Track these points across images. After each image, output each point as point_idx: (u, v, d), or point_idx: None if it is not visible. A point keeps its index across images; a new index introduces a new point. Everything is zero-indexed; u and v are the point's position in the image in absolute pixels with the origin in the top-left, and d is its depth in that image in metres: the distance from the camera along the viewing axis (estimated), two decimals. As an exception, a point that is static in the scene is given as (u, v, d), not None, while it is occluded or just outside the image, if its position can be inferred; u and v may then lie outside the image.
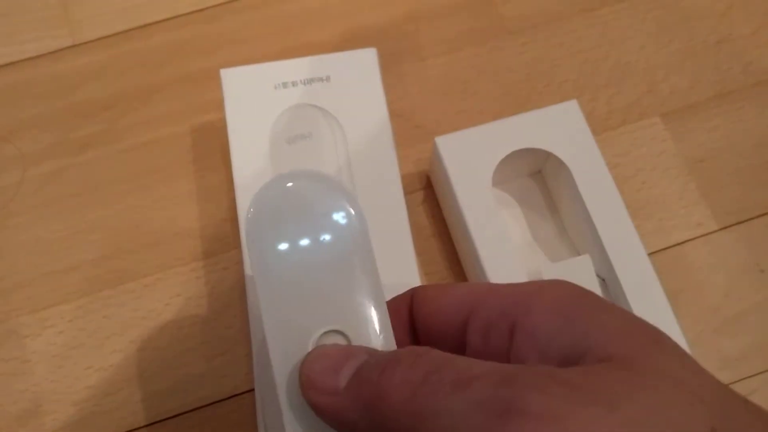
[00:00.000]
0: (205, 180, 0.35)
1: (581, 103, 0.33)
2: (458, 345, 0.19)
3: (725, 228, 0.35)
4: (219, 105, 0.32)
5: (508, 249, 0.30)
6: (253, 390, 0.31)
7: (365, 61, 0.32)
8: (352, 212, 0.20)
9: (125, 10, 0.39)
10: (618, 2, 0.40)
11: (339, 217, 0.20)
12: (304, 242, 0.19)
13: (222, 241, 0.34)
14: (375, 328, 0.19)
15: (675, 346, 0.16)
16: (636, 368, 0.14)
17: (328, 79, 0.32)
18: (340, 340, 0.19)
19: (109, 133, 0.36)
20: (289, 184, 0.20)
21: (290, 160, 0.30)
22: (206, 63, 0.38)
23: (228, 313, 0.33)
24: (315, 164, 0.30)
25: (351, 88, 0.32)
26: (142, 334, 0.32)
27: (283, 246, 0.19)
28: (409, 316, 0.20)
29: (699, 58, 0.39)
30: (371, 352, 0.18)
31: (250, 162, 0.30)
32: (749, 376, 0.32)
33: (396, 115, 0.37)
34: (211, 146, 0.36)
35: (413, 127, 0.37)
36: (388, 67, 0.38)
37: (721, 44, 0.39)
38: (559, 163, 0.31)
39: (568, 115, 0.32)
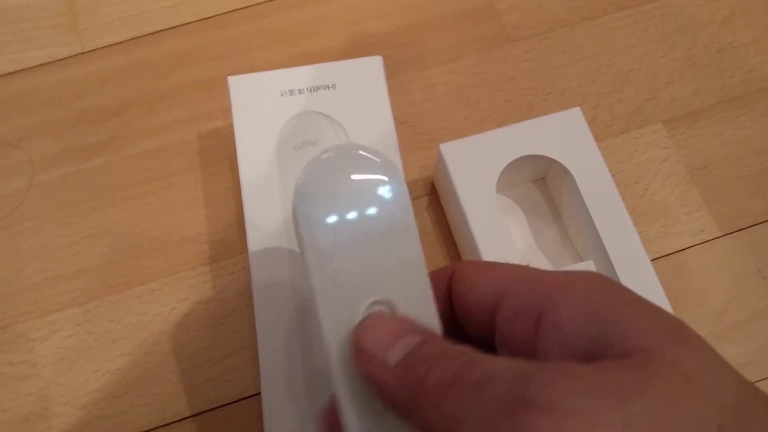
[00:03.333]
0: (212, 186, 0.36)
1: (584, 111, 0.33)
2: (489, 325, 0.19)
3: (727, 234, 0.35)
4: (226, 112, 0.32)
5: (511, 254, 0.30)
6: (259, 394, 0.31)
7: (371, 69, 0.33)
8: (398, 185, 0.20)
9: (133, 17, 0.39)
10: (620, 10, 0.40)
11: (386, 190, 0.20)
12: (353, 212, 0.20)
13: (229, 247, 0.34)
14: (420, 300, 0.19)
15: (700, 342, 0.16)
16: (653, 364, 0.15)
17: (334, 86, 0.32)
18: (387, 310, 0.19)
19: (117, 139, 0.37)
20: (339, 156, 0.21)
21: (297, 167, 0.30)
22: (213, 70, 0.38)
23: (234, 317, 0.33)
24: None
25: (357, 96, 0.32)
26: (149, 338, 0.33)
27: (334, 215, 0.20)
28: (448, 290, 0.21)
29: (700, 66, 0.39)
30: (421, 336, 0.18)
31: (257, 168, 0.31)
32: (753, 382, 0.32)
33: (401, 122, 0.37)
34: (218, 152, 0.36)
35: (418, 134, 0.37)
36: (394, 75, 0.38)
37: (722, 52, 0.39)
38: (563, 170, 0.32)
39: (571, 122, 0.32)
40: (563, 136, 0.32)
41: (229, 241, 0.34)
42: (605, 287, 0.17)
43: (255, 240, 0.29)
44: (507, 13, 0.40)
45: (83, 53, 0.39)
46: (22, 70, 0.38)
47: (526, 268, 0.19)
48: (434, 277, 0.20)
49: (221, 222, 0.35)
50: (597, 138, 0.33)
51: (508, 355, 0.18)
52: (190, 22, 0.39)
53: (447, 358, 0.17)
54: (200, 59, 0.38)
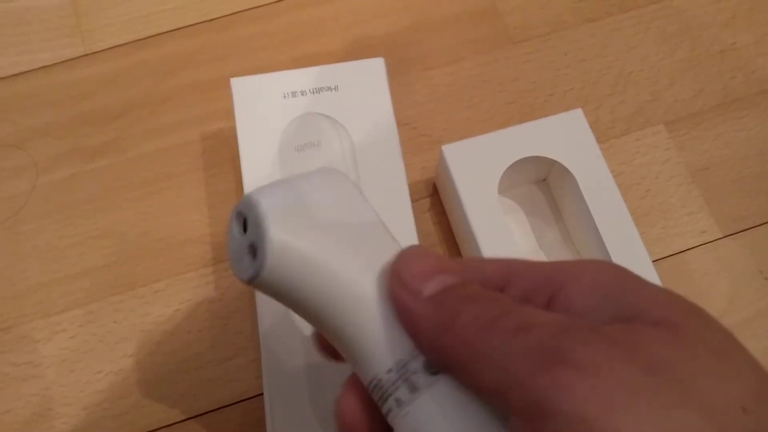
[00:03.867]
0: (215, 187, 0.36)
1: (586, 112, 0.33)
2: None
3: (729, 235, 0.35)
4: (229, 113, 0.32)
5: (513, 255, 0.30)
6: (261, 394, 0.31)
7: (373, 70, 0.33)
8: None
9: (136, 19, 0.40)
10: (622, 12, 0.40)
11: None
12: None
13: (231, 248, 0.34)
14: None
15: (717, 322, 0.16)
16: (682, 337, 0.15)
17: (336, 88, 0.32)
18: None
19: (120, 141, 0.37)
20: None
21: (299, 168, 0.31)
22: (216, 72, 0.38)
23: (237, 318, 0.33)
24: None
25: (359, 97, 0.32)
26: (152, 339, 0.33)
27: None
28: None
29: (702, 67, 0.39)
30: (459, 277, 0.18)
31: (260, 169, 0.31)
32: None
33: (403, 123, 0.37)
34: (221, 154, 0.36)
35: (420, 135, 0.37)
36: (396, 77, 0.38)
37: (724, 53, 0.39)
38: (564, 171, 0.32)
39: (572, 123, 0.32)
40: (565, 137, 0.32)
41: (232, 242, 0.34)
42: (616, 269, 0.17)
43: (257, 241, 0.29)
44: (509, 15, 0.40)
45: (87, 55, 0.39)
46: (26, 71, 0.38)
47: (528, 259, 0.20)
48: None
49: (224, 223, 0.35)
50: (599, 139, 0.33)
51: None
52: (192, 24, 0.40)
53: (483, 300, 0.17)
54: (203, 61, 0.39)
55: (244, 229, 0.19)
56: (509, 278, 0.19)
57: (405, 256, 0.19)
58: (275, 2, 0.40)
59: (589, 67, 0.39)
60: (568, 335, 0.15)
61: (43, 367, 0.32)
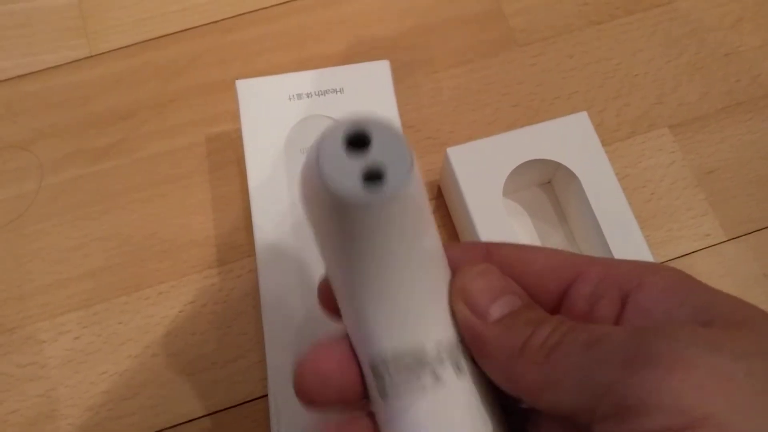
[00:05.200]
0: (220, 189, 0.36)
1: (591, 115, 0.33)
2: (550, 307, 0.19)
3: (734, 239, 0.35)
4: (234, 115, 0.32)
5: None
6: (266, 396, 0.32)
7: (378, 73, 0.33)
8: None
9: (142, 21, 0.40)
10: (627, 15, 0.40)
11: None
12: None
13: (236, 249, 0.34)
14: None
15: None
16: (762, 333, 0.15)
17: (341, 90, 0.32)
18: None
19: (125, 142, 0.37)
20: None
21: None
22: (221, 74, 0.38)
23: (242, 319, 0.33)
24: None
25: (364, 100, 0.32)
26: (157, 340, 0.33)
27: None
28: None
29: (708, 71, 0.39)
30: (521, 299, 0.18)
31: (265, 171, 0.31)
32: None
33: (408, 126, 0.37)
34: (226, 156, 0.36)
35: (425, 138, 0.37)
36: (401, 79, 0.38)
37: (729, 56, 0.39)
38: (569, 174, 0.32)
39: (577, 126, 0.32)
40: (570, 140, 0.32)
41: (237, 243, 0.35)
42: (686, 275, 0.18)
43: (262, 243, 0.29)
44: (514, 17, 0.40)
45: (92, 56, 0.39)
46: (32, 73, 0.38)
47: (587, 255, 0.19)
48: (466, 252, 0.20)
49: (229, 225, 0.35)
50: (604, 142, 0.33)
51: None
52: (198, 26, 0.40)
53: (550, 322, 0.17)
54: (209, 63, 0.39)
55: (356, 150, 0.16)
56: (575, 275, 0.19)
57: (476, 272, 0.18)
58: (281, 4, 0.40)
59: (594, 70, 0.39)
60: (650, 335, 0.15)
61: (48, 368, 0.32)
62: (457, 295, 0.18)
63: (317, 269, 0.29)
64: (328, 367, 0.18)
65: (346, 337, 0.19)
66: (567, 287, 0.19)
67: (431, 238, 0.18)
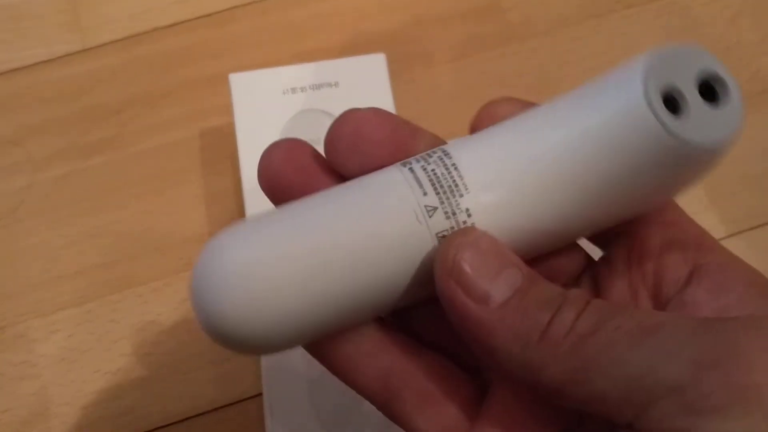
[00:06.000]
0: (214, 184, 0.35)
1: (590, 110, 0.33)
2: (606, 238, 0.18)
3: (733, 235, 0.35)
4: (227, 109, 0.32)
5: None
6: (261, 395, 0.31)
7: (374, 66, 0.32)
8: None
9: (134, 15, 0.39)
10: (626, 8, 0.40)
11: None
12: None
13: (230, 246, 0.34)
14: None
15: None
16: None
17: (336, 84, 0.32)
18: None
19: (118, 137, 0.36)
20: None
21: (299, 165, 0.30)
22: (215, 68, 0.38)
23: (236, 317, 0.33)
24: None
25: (360, 94, 0.32)
26: (150, 338, 0.32)
27: None
28: None
29: (707, 65, 0.39)
30: (521, 271, 0.15)
31: (259, 167, 0.30)
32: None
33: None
34: (220, 150, 0.36)
35: (421, 132, 0.37)
36: (397, 73, 0.38)
37: (728, 51, 0.39)
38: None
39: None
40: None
41: (231, 240, 0.34)
42: (762, 275, 0.16)
43: (257, 239, 0.29)
44: (512, 11, 0.40)
45: (84, 51, 0.38)
46: (23, 67, 0.38)
47: None
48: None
49: (223, 221, 0.35)
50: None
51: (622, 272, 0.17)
52: (191, 19, 0.39)
53: (572, 303, 0.14)
54: (202, 56, 0.38)
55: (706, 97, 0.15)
56: (648, 216, 0.17)
57: (462, 243, 0.15)
58: (275, -3, 0.40)
59: (592, 64, 0.39)
60: (727, 329, 0.13)
61: (41, 366, 0.32)
62: (446, 275, 0.15)
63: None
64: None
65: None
66: (650, 221, 0.17)
67: None
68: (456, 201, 0.16)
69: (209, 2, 0.40)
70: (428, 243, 0.15)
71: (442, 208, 0.15)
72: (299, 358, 0.28)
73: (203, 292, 0.15)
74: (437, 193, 0.16)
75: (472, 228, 0.15)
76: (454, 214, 0.15)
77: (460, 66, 0.38)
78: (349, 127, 0.17)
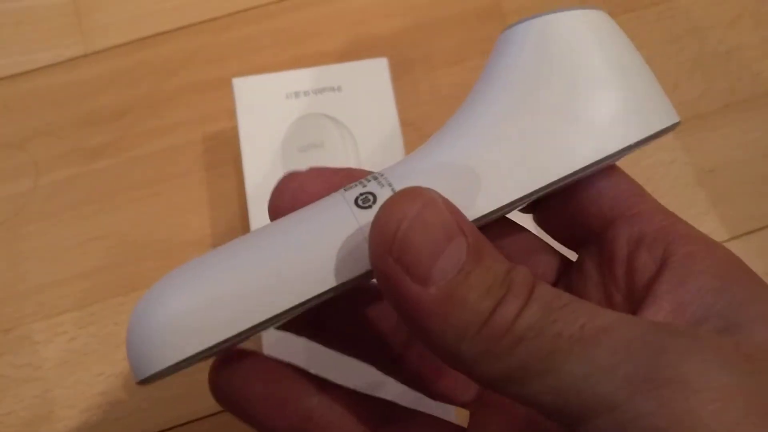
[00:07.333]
0: (217, 188, 0.36)
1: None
2: (582, 235, 0.17)
3: (735, 238, 0.35)
4: (231, 113, 0.32)
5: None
6: (263, 397, 0.31)
7: (376, 70, 0.32)
8: None
9: (138, 19, 0.39)
10: (626, 12, 0.40)
11: None
12: None
13: (233, 249, 0.34)
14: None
15: None
16: None
17: (339, 88, 0.32)
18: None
19: (121, 141, 0.37)
20: None
21: (302, 169, 0.30)
22: (218, 72, 0.38)
23: (239, 320, 0.33)
24: (326, 173, 0.31)
25: (362, 98, 0.32)
26: (153, 341, 0.32)
27: None
28: None
29: (708, 68, 0.39)
30: (470, 238, 0.13)
31: (262, 170, 0.30)
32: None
33: (407, 123, 0.37)
34: (223, 154, 0.36)
35: (424, 135, 0.37)
36: (399, 77, 0.38)
37: (730, 53, 0.39)
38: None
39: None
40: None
41: (234, 243, 0.34)
42: (740, 262, 0.15)
43: (260, 243, 0.29)
44: (514, 14, 0.40)
45: (88, 55, 0.38)
46: (27, 72, 0.38)
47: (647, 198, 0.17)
48: None
49: (226, 224, 0.35)
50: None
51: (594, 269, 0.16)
52: (194, 24, 0.39)
53: (517, 291, 0.13)
54: (205, 61, 0.38)
55: None
56: (623, 210, 0.16)
57: (405, 215, 0.13)
58: (277, 1, 0.40)
59: (593, 67, 0.39)
60: (658, 344, 0.12)
61: (44, 369, 0.32)
62: (384, 252, 0.13)
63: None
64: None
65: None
66: (609, 223, 0.16)
67: None
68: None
69: (212, 7, 0.40)
70: (355, 225, 0.15)
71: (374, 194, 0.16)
72: (302, 361, 0.28)
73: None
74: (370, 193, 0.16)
75: (418, 190, 0.14)
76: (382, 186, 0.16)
77: (462, 69, 0.38)
78: (294, 182, 0.17)
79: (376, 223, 0.14)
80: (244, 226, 0.35)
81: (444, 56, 0.39)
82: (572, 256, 0.19)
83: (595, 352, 0.12)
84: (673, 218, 0.16)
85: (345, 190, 0.16)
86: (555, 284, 0.19)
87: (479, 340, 0.13)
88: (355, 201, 0.15)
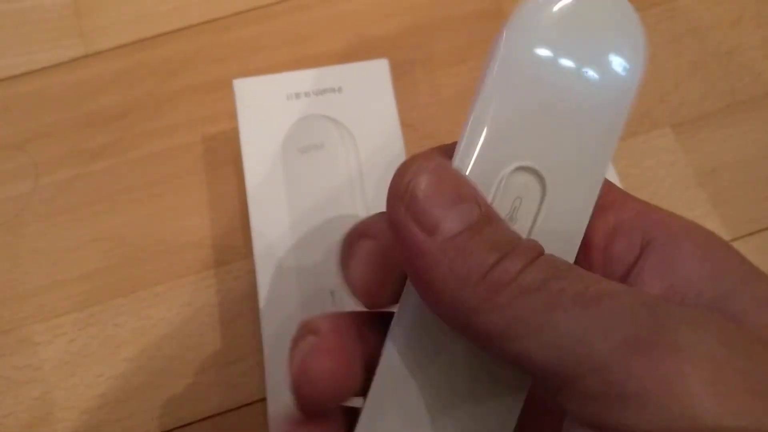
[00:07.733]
0: (217, 189, 0.35)
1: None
2: None
3: (736, 239, 0.35)
4: (231, 114, 0.32)
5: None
6: (265, 399, 0.31)
7: (377, 72, 0.32)
8: (638, 63, 0.17)
9: (138, 20, 0.39)
10: (628, 13, 0.40)
11: (620, 60, 0.17)
12: (567, 62, 0.16)
13: (233, 251, 0.34)
14: (577, 201, 0.16)
15: None
16: None
17: (340, 89, 0.32)
18: (532, 183, 0.15)
19: (121, 142, 0.36)
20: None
21: (302, 170, 0.30)
22: (218, 73, 0.38)
23: (239, 322, 0.33)
24: (327, 174, 0.31)
25: (363, 99, 0.32)
26: (153, 343, 0.32)
27: (544, 52, 0.16)
28: None
29: (710, 69, 0.39)
30: (480, 206, 0.14)
31: (262, 171, 0.30)
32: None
33: (407, 125, 0.37)
34: (223, 155, 0.36)
35: (424, 137, 0.37)
36: (400, 78, 0.38)
37: (731, 54, 0.39)
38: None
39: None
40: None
41: (234, 244, 0.34)
42: (727, 244, 0.15)
43: (260, 243, 0.29)
44: (514, 16, 0.40)
45: (88, 56, 0.38)
46: (27, 73, 0.38)
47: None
48: None
49: (226, 225, 0.35)
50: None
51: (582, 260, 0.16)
52: (195, 25, 0.39)
53: (522, 251, 0.13)
54: (205, 62, 0.38)
55: None
56: (605, 204, 0.16)
57: (420, 167, 0.14)
58: (278, 2, 0.40)
59: (594, 68, 0.39)
60: (664, 315, 0.12)
61: (44, 370, 0.32)
62: (397, 200, 0.14)
63: (316, 270, 0.29)
64: (332, 368, 0.16)
65: (338, 329, 0.17)
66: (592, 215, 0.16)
67: None
68: None
69: (212, 8, 0.40)
70: None
71: None
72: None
73: None
74: None
75: (434, 152, 0.15)
76: None
77: (462, 70, 0.38)
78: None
79: (394, 176, 0.14)
80: (244, 228, 0.35)
81: (445, 57, 0.39)
82: None
83: (597, 311, 0.12)
84: (647, 205, 0.16)
85: None
86: None
87: (481, 288, 0.13)
88: None
